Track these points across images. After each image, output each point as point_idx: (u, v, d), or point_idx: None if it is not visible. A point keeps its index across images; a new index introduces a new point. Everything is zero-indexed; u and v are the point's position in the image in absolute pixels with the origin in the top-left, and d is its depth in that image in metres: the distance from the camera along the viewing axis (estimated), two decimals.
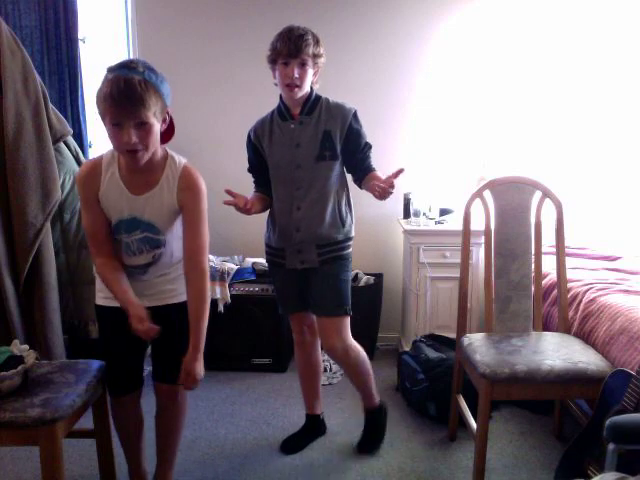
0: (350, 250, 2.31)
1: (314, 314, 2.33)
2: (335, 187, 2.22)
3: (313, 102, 2.20)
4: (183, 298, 1.90)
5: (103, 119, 1.64)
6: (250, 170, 2.37)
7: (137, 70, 1.59)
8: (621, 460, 1.44)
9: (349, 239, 2.30)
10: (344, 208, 2.28)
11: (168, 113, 1.73)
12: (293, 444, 2.48)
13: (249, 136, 2.29)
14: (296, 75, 2.09)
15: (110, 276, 1.83)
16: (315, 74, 2.18)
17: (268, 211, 2.33)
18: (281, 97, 2.23)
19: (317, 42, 2.12)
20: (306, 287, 2.28)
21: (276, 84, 2.20)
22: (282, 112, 2.21)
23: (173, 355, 1.92)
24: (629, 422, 1.43)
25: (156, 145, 1.71)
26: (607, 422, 1.42)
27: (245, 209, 2.12)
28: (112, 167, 1.77)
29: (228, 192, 2.09)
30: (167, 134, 1.79)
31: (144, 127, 1.61)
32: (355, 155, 2.23)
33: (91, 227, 1.82)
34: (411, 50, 3.39)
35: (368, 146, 2.27)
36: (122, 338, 1.89)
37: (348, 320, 2.31)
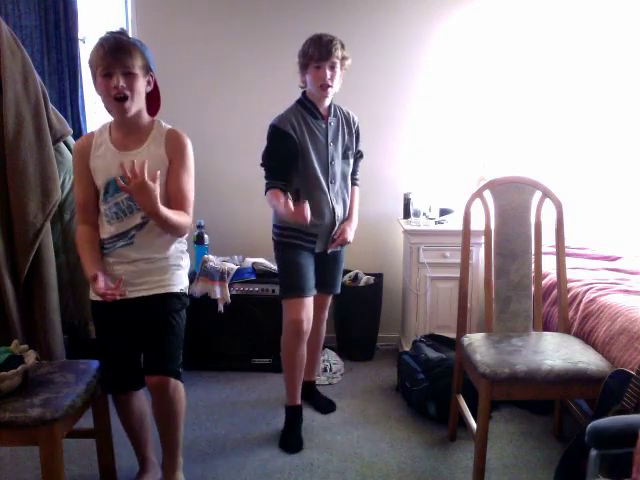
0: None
1: (323, 292, 2.62)
2: (350, 182, 2.59)
3: (334, 106, 2.50)
4: (173, 289, 1.97)
5: (94, 76, 1.83)
6: (272, 162, 2.41)
7: (123, 34, 1.86)
8: (609, 463, 1.42)
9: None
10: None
11: (152, 76, 1.90)
12: (293, 441, 2.48)
13: (284, 131, 2.37)
14: (328, 76, 2.34)
15: (86, 243, 1.91)
16: (341, 76, 2.43)
17: (299, 200, 2.34)
18: (307, 97, 2.44)
19: (343, 46, 2.38)
20: (320, 269, 2.54)
21: (302, 87, 2.46)
22: (312, 111, 2.43)
23: (160, 345, 1.95)
24: (610, 427, 1.40)
25: (142, 99, 1.87)
26: (587, 427, 1.40)
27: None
28: (104, 134, 1.93)
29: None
30: (154, 105, 1.97)
31: (131, 76, 1.80)
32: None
33: (83, 197, 1.93)
34: (411, 50, 3.39)
35: (360, 154, 2.65)
36: (119, 336, 1.97)
37: None
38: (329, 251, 2.53)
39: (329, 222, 2.47)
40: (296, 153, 2.38)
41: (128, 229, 1.90)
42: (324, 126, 2.45)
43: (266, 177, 2.44)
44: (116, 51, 1.78)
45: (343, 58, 2.38)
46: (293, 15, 3.33)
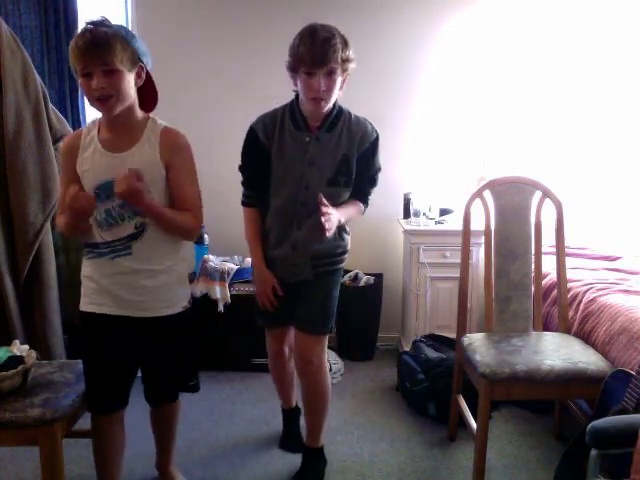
0: (344, 264, 2.17)
1: (297, 328, 2.13)
2: None
3: (335, 117, 1.97)
4: (178, 309, 1.85)
5: (77, 77, 1.66)
6: (245, 171, 2.11)
7: (104, 24, 1.65)
8: (609, 463, 1.42)
9: (345, 252, 2.15)
10: (345, 224, 2.12)
11: (143, 69, 1.73)
12: (292, 441, 2.45)
13: (255, 134, 2.00)
14: (323, 88, 1.82)
15: (59, 218, 1.79)
16: (343, 81, 1.91)
17: (267, 217, 2.10)
18: (298, 101, 1.99)
19: (345, 44, 1.86)
20: (294, 300, 2.10)
21: (295, 91, 1.99)
22: (297, 120, 1.96)
23: (167, 373, 1.90)
24: (610, 427, 1.41)
25: (130, 95, 1.69)
26: (588, 427, 1.40)
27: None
28: (92, 132, 1.76)
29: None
30: (150, 102, 1.80)
31: (113, 74, 1.62)
32: (360, 175, 2.04)
33: (66, 192, 1.74)
34: (412, 51, 3.39)
35: (373, 180, 2.10)
36: (112, 349, 1.79)
37: (327, 338, 2.16)
38: (291, 280, 2.09)
39: (286, 248, 2.05)
40: (263, 159, 1.98)
41: (121, 238, 1.74)
42: (307, 139, 1.95)
43: (242, 184, 2.13)
44: (93, 47, 1.59)
45: (345, 61, 1.85)
46: (295, 15, 3.31)
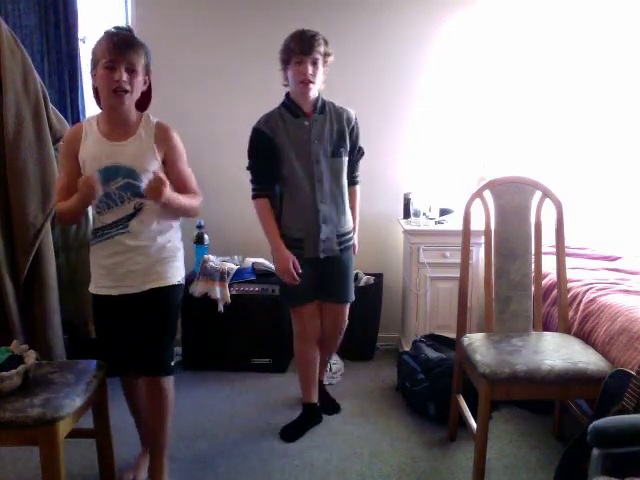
0: None
1: (328, 301, 2.53)
2: (346, 181, 2.46)
3: (322, 103, 2.40)
4: (169, 282, 2.01)
5: (95, 66, 1.88)
6: (255, 167, 2.40)
7: (131, 32, 1.95)
8: (611, 462, 1.42)
9: (352, 230, 2.55)
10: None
11: (149, 77, 1.98)
12: (292, 432, 2.53)
13: (260, 132, 2.34)
14: (310, 72, 2.26)
15: (61, 204, 1.94)
16: (324, 73, 2.34)
17: (282, 203, 2.42)
18: (289, 96, 2.38)
19: (326, 42, 2.32)
20: (320, 276, 2.46)
21: (285, 85, 2.37)
22: (293, 109, 2.36)
23: (156, 344, 2.00)
24: (612, 426, 1.41)
25: (137, 95, 1.93)
26: (590, 427, 1.41)
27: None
28: (92, 125, 1.96)
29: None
30: (145, 103, 2.03)
31: (132, 73, 1.87)
32: (350, 156, 2.48)
33: (66, 180, 1.94)
34: (412, 51, 3.39)
35: (361, 152, 2.55)
36: (119, 323, 2.04)
37: None
38: (322, 256, 2.43)
39: (313, 225, 2.39)
40: (272, 153, 2.33)
41: (120, 218, 1.94)
42: (306, 123, 2.35)
43: (251, 181, 2.43)
44: (125, 46, 1.84)
45: (325, 54, 2.31)
46: (294, 16, 3.32)
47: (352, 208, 2.54)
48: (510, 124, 3.41)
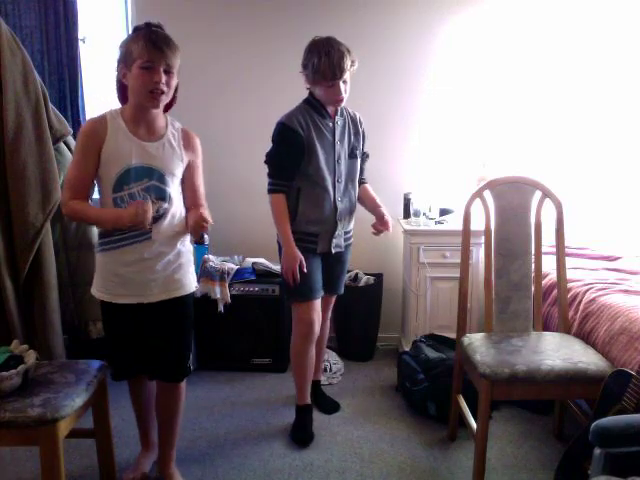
0: None
1: (327, 294, 2.61)
2: (357, 182, 2.56)
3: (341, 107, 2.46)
4: (188, 290, 2.01)
5: (127, 63, 1.80)
6: (279, 163, 2.38)
7: (163, 29, 1.87)
8: (612, 462, 1.43)
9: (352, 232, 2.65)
10: None
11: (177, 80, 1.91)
12: (306, 435, 2.52)
13: (292, 128, 2.33)
14: (343, 91, 2.31)
15: (80, 206, 1.86)
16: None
17: (299, 198, 2.42)
18: (314, 96, 2.39)
19: (350, 53, 2.31)
20: (324, 269, 2.54)
21: (309, 88, 2.40)
22: (320, 110, 2.40)
23: (177, 353, 1.99)
24: (614, 425, 1.41)
25: (170, 98, 1.88)
26: (592, 426, 1.41)
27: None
28: (117, 121, 1.87)
29: None
30: (168, 106, 1.96)
31: (169, 75, 1.82)
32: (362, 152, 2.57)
33: (82, 174, 1.86)
34: (412, 51, 3.39)
35: (367, 154, 2.62)
36: (131, 329, 2.01)
37: None
38: (334, 251, 2.51)
39: (331, 221, 2.45)
40: (303, 151, 2.35)
41: None
42: (331, 125, 2.41)
43: (270, 175, 2.40)
44: (164, 47, 1.78)
45: (351, 65, 2.33)
46: (297, 16, 3.33)
47: (372, 198, 2.59)
48: (510, 124, 3.42)
